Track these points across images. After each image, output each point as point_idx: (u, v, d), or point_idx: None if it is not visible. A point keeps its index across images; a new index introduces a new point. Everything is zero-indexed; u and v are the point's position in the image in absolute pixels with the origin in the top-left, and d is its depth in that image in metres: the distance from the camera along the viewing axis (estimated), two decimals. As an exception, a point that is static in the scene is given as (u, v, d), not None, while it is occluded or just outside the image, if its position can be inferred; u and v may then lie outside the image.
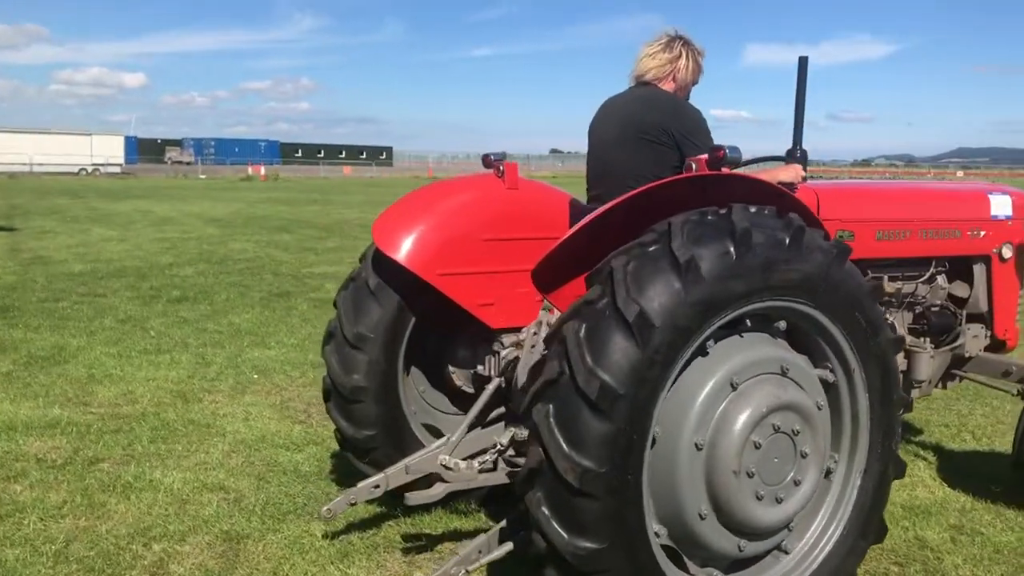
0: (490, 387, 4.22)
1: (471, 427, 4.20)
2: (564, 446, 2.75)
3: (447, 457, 4.07)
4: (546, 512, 2.81)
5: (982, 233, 4.93)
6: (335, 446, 5.54)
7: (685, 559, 3.16)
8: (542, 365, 3.75)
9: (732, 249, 2.92)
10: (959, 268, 5.00)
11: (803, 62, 4.74)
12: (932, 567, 4.07)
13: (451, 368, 4.66)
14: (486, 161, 4.60)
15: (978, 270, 5.01)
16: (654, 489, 2.96)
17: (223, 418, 6.15)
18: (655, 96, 3.99)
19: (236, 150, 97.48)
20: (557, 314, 3.89)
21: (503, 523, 3.48)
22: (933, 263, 4.85)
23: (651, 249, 2.91)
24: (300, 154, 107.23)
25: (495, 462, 4.06)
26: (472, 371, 4.60)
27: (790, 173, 4.14)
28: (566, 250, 3.32)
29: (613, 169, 3.99)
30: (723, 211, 3.03)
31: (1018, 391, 4.92)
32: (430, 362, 4.69)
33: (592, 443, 2.74)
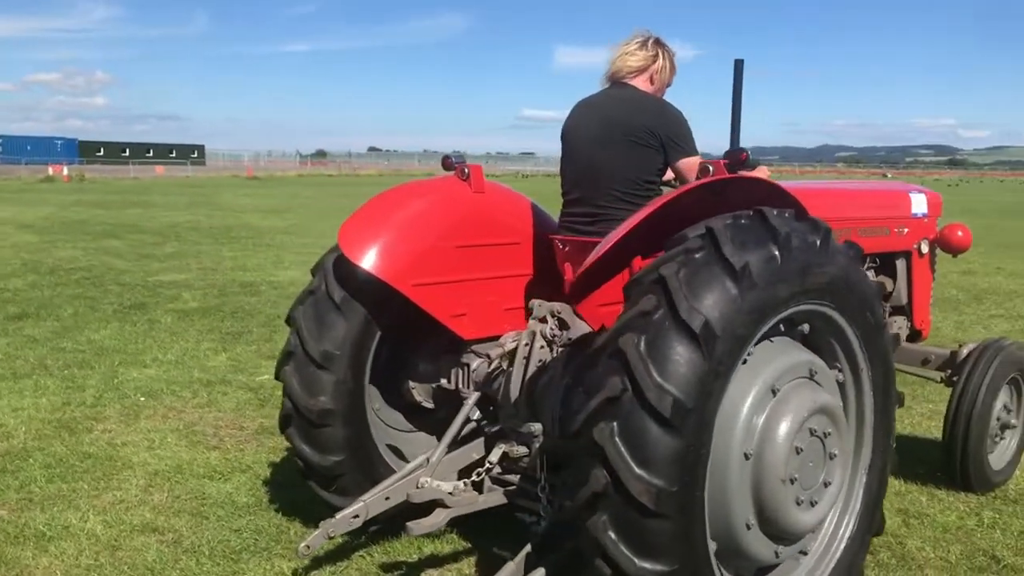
0: (470, 402, 4.02)
1: (450, 446, 3.98)
2: (635, 467, 2.61)
3: (429, 480, 3.83)
4: (613, 537, 2.66)
5: (905, 230, 5.21)
6: (265, 473, 5.14)
7: (722, 569, 3.10)
8: (564, 379, 3.61)
9: (777, 253, 2.88)
10: (885, 263, 5.25)
11: (739, 65, 4.80)
12: (898, 552, 4.23)
13: (411, 383, 4.39)
14: (446, 163, 4.37)
15: (900, 265, 5.29)
16: (709, 503, 2.88)
17: (123, 448, 5.54)
18: (640, 97, 3.90)
19: (28, 148, 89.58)
20: (552, 324, 3.75)
21: (527, 549, 3.28)
22: (866, 260, 5.07)
23: (698, 255, 2.81)
24: (102, 153, 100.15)
25: (482, 481, 3.86)
26: (434, 385, 4.37)
27: (759, 175, 4.17)
28: (592, 261, 3.18)
29: (597, 171, 3.87)
30: (755, 215, 2.98)
31: (941, 378, 5.22)
32: (385, 378, 4.39)
33: (663, 461, 2.62)
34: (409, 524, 3.56)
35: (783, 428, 2.97)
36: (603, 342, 2.82)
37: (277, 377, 4.11)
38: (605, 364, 2.76)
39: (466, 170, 4.24)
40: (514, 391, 3.76)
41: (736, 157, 3.33)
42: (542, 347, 3.76)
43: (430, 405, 4.42)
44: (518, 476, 3.86)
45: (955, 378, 5.02)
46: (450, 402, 4.42)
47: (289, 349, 4.01)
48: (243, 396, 6.78)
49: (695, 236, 2.91)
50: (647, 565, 2.65)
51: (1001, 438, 5.14)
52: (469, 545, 4.22)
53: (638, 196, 3.82)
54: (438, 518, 3.61)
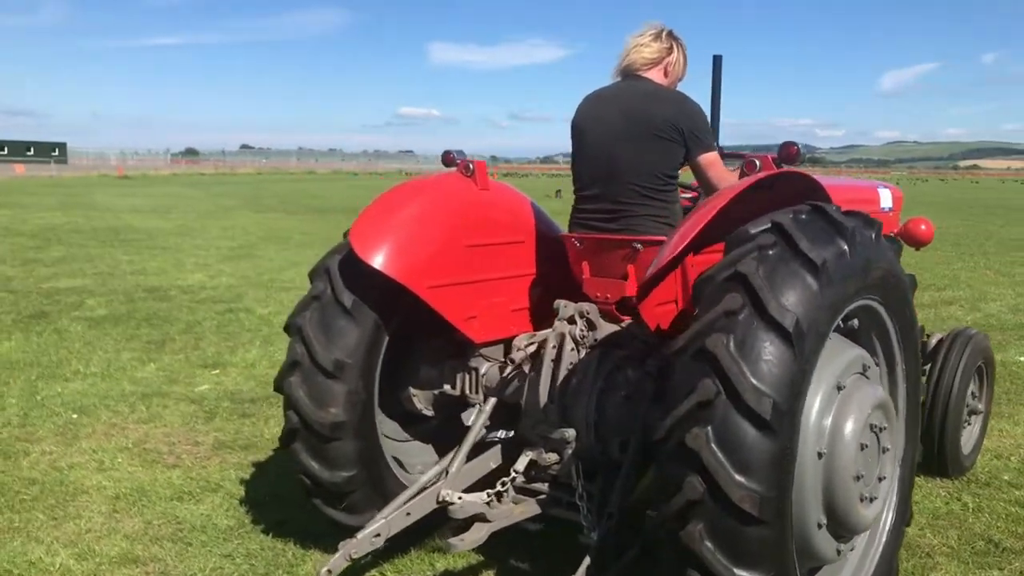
0: (487, 408, 3.85)
1: (469, 455, 3.80)
2: (734, 473, 2.51)
3: (450, 492, 3.64)
4: (710, 546, 2.55)
5: None
6: (238, 491, 4.81)
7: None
8: (643, 384, 3.48)
9: (846, 248, 2.85)
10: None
11: (717, 61, 4.81)
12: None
13: (411, 390, 4.17)
14: (448, 160, 4.17)
15: (871, 258, 5.39)
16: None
17: (71, 471, 5.06)
18: (659, 90, 3.81)
19: None
20: (581, 325, 3.63)
21: (587, 562, 3.13)
22: None
23: (772, 251, 2.74)
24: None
25: (506, 491, 3.69)
26: (436, 392, 4.17)
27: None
28: (665, 260, 3.06)
29: (619, 166, 3.74)
30: (815, 210, 2.94)
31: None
32: (384, 386, 4.15)
33: (762, 466, 2.53)
34: (451, 540, 3.36)
35: (850, 425, 2.94)
36: (683, 344, 2.70)
37: (278, 389, 3.82)
38: (690, 367, 2.65)
39: (471, 166, 4.06)
40: (542, 396, 3.60)
41: (788, 152, 3.28)
42: (572, 349, 3.62)
43: (430, 413, 4.22)
44: (546, 484, 3.70)
45: (926, 367, 5.17)
46: (448, 409, 4.25)
47: (294, 359, 3.72)
48: (187, 409, 6.34)
49: (761, 232, 2.83)
50: (744, 573, 2.56)
51: (968, 423, 5.33)
52: (482, 558, 4.03)
53: (659, 191, 3.74)
54: (479, 533, 3.42)
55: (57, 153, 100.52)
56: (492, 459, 3.93)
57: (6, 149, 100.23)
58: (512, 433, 4.03)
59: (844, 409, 2.96)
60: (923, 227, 5.48)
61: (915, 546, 4.24)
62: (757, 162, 3.32)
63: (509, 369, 3.84)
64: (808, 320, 2.64)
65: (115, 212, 26.64)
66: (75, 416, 6.12)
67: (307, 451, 3.73)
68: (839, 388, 2.97)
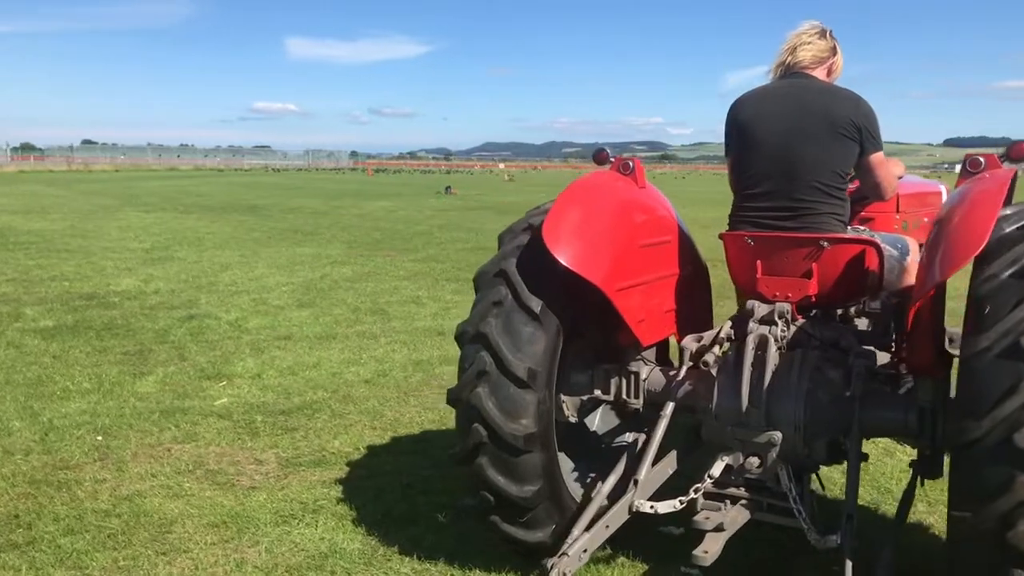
0: (667, 412, 3.74)
1: (653, 462, 3.69)
2: (1056, 473, 2.53)
3: (643, 502, 3.53)
4: (1035, 546, 2.56)
5: None
6: (344, 511, 4.52)
7: None
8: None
9: None
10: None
11: None
12: None
13: (561, 396, 4.00)
14: (601, 157, 4.03)
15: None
16: None
17: (141, 500, 4.59)
18: (834, 88, 3.78)
19: None
20: (781, 326, 3.58)
21: (849, 566, 3.07)
22: None
23: (1043, 247, 2.80)
24: None
25: (698, 498, 3.59)
26: (585, 397, 4.03)
27: (902, 167, 4.25)
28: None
29: (799, 163, 3.67)
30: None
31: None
32: None
33: (1078, 463, 2.56)
34: (696, 553, 3.22)
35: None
36: (988, 343, 2.69)
37: (456, 402, 3.56)
38: (1000, 366, 2.64)
39: (630, 164, 3.94)
40: (743, 399, 3.51)
41: (1020, 150, 3.33)
42: (778, 350, 3.55)
43: (575, 419, 4.07)
44: (741, 488, 3.62)
45: None
46: (586, 414, 4.13)
47: (480, 369, 3.47)
48: (219, 425, 5.88)
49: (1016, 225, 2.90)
50: (1069, 571, 2.59)
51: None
52: (647, 566, 3.91)
53: (837, 189, 3.71)
54: (717, 544, 3.29)
55: None
56: (668, 465, 3.83)
57: None
58: (643, 436, 3.96)
59: None
60: None
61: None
62: (982, 160, 3.36)
63: (683, 372, 3.74)
64: (1093, 314, 2.69)
65: (-16, 213, 24.53)
66: (100, 438, 5.57)
67: (495, 466, 3.50)
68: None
